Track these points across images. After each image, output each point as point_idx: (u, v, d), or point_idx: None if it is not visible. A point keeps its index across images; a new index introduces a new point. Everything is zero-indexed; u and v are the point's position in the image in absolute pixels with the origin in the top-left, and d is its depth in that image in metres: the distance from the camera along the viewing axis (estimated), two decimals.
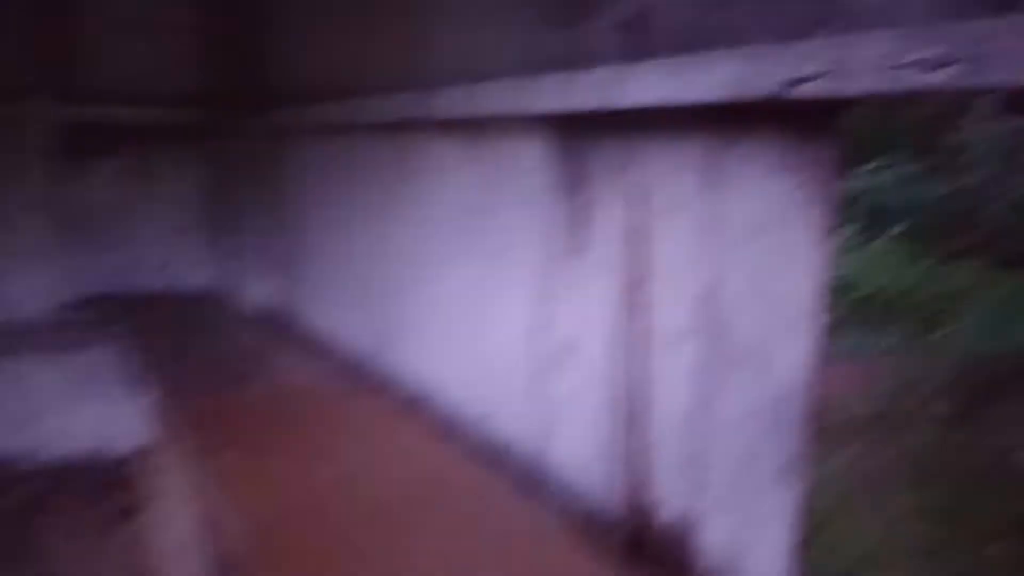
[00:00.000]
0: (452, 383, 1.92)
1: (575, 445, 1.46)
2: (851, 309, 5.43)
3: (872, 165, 6.02)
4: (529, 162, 1.51)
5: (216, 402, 1.80)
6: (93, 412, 3.15)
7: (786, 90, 0.87)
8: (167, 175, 3.26)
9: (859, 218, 5.94)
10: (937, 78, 0.76)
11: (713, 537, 1.17)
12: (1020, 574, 2.43)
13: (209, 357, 2.33)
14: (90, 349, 3.02)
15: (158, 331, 2.62)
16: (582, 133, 1.35)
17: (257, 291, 3.28)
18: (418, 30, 1.87)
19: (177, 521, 1.77)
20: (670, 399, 1.23)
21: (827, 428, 4.31)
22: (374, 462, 1.53)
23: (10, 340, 2.95)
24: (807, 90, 0.85)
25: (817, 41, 0.85)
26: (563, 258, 1.44)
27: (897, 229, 5.81)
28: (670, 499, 1.25)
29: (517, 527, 1.29)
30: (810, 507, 1.04)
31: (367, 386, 2.18)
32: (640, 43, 1.18)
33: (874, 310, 5.44)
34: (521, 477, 1.57)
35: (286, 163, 3.00)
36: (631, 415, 1.31)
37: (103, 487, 2.93)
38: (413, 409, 2.00)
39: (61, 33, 2.91)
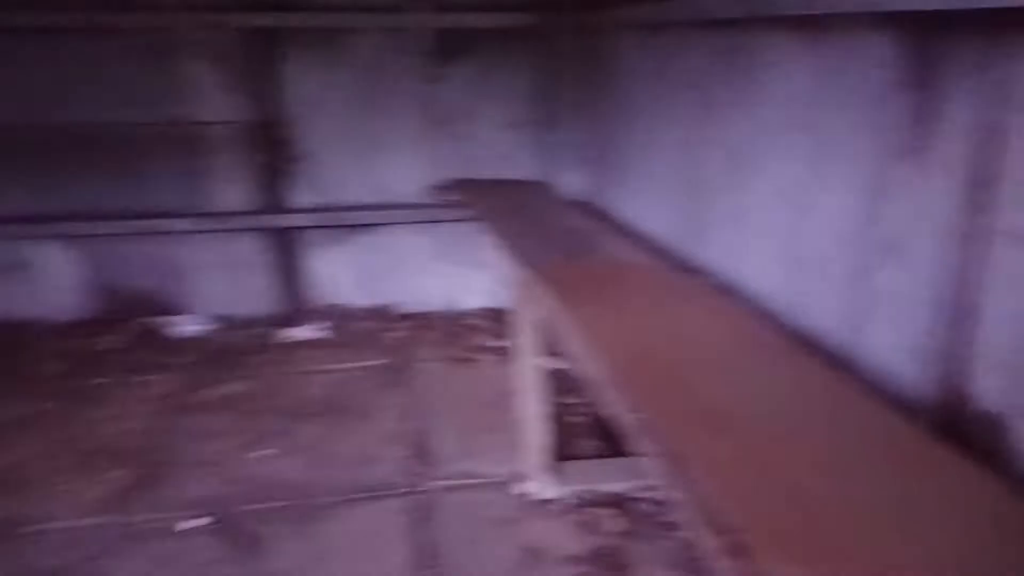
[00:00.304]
0: (765, 274, 2.07)
1: (890, 337, 1.55)
2: None
3: None
4: (873, 59, 1.52)
5: (559, 270, 2.18)
6: (454, 273, 3.95)
7: None
8: (505, 75, 3.71)
9: None
10: None
11: None
12: None
13: (543, 234, 2.74)
14: (453, 225, 3.75)
15: (500, 210, 3.14)
16: (935, 29, 1.34)
17: (575, 180, 3.69)
18: None
19: (541, 357, 2.28)
20: (1004, 301, 1.25)
21: None
22: (700, 322, 1.79)
23: (386, 214, 3.79)
24: None
25: None
26: (900, 155, 1.47)
27: None
28: (988, 395, 1.30)
29: (830, 388, 1.43)
30: None
31: (682, 268, 2.41)
32: None
33: None
34: (828, 362, 1.67)
35: (608, 62, 3.24)
36: (957, 313, 1.36)
37: (465, 330, 3.74)
38: (726, 292, 2.19)
39: None
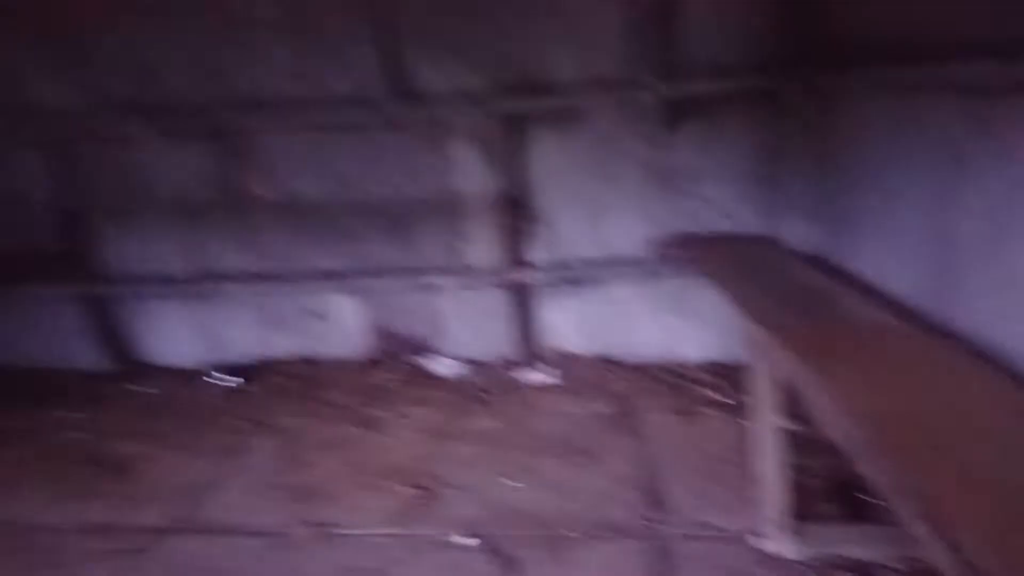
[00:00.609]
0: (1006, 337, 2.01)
1: None
2: None
3: None
4: None
5: (799, 328, 2.26)
6: (676, 326, 4.11)
7: None
8: (732, 134, 3.84)
9: None
10: None
11: None
12: None
13: (776, 289, 2.82)
14: (674, 279, 3.94)
15: (728, 266, 3.26)
16: None
17: (805, 235, 3.70)
18: None
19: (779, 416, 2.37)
20: None
21: None
22: (956, 387, 1.80)
23: (612, 270, 4.06)
24: None
25: None
26: None
27: None
28: None
29: None
30: None
31: (932, 331, 2.36)
32: None
33: None
34: None
35: (840, 117, 3.25)
36: None
37: (687, 382, 3.87)
38: (984, 358, 2.11)
39: (664, 21, 3.67)
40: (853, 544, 2.33)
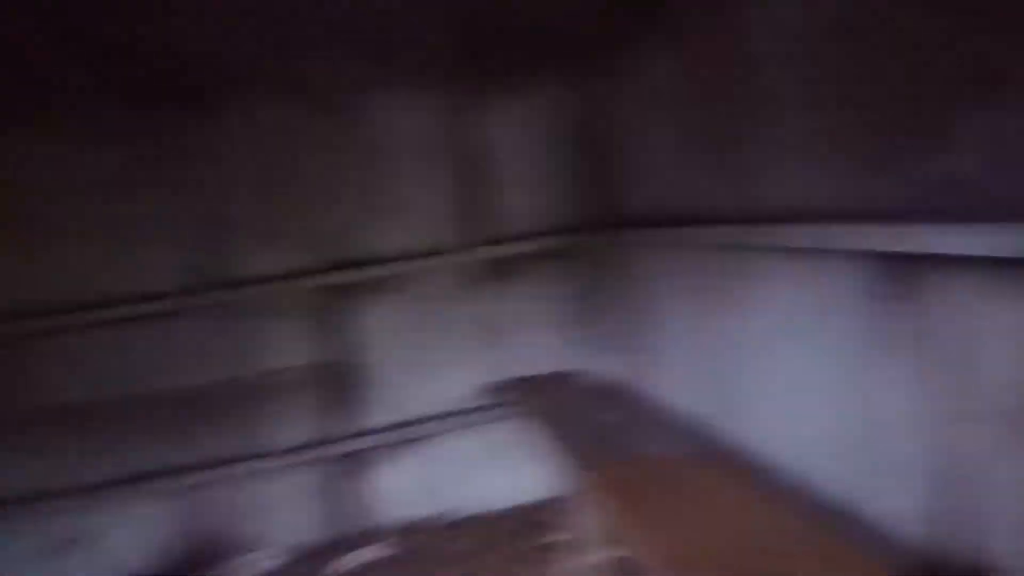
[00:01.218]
0: (779, 450, 2.34)
1: (892, 504, 1.78)
2: None
3: None
4: (850, 279, 1.89)
5: (604, 466, 2.42)
6: (512, 471, 4.09)
7: None
8: (548, 286, 4.24)
9: None
10: None
11: None
12: None
13: (584, 427, 3.02)
14: (506, 424, 3.98)
15: (545, 407, 3.42)
16: (902, 262, 1.69)
17: (616, 368, 4.03)
18: (752, 170, 2.38)
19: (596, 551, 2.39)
20: (988, 469, 1.48)
21: None
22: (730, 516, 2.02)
23: (443, 424, 4.08)
24: None
25: None
26: (876, 352, 1.79)
27: None
28: (986, 554, 1.50)
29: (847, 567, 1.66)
30: None
31: (712, 453, 2.65)
32: (952, 204, 1.52)
33: None
34: (840, 528, 1.91)
35: (634, 267, 3.73)
36: (948, 480, 1.59)
37: (525, 528, 3.79)
38: (746, 470, 2.43)
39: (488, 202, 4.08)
40: None
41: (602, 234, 3.96)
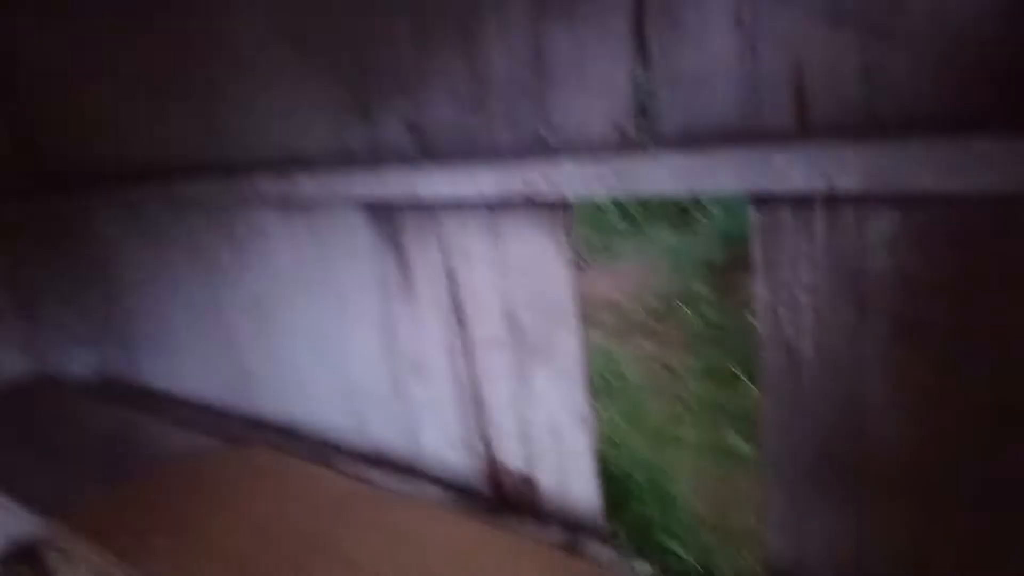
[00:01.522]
0: (321, 411, 2.23)
1: (438, 436, 1.88)
2: (628, 217, 6.26)
3: None
4: (352, 227, 1.84)
5: (104, 503, 1.91)
6: None
7: (532, 194, 1.32)
8: None
9: None
10: (608, 190, 1.20)
11: (546, 477, 1.66)
12: (750, 417, 2.79)
13: (66, 451, 2.33)
14: None
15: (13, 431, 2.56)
16: (393, 207, 1.71)
17: (91, 364, 3.26)
18: (225, 108, 2.06)
19: None
20: (497, 389, 1.67)
21: (614, 328, 4.90)
22: (279, 505, 1.83)
23: None
24: (543, 197, 1.31)
25: (537, 164, 1.30)
26: (399, 295, 1.82)
27: None
28: (512, 459, 1.71)
29: (400, 509, 1.71)
30: (603, 420, 1.47)
31: (239, 435, 2.37)
32: (424, 145, 1.58)
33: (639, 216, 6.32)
34: (399, 470, 1.97)
35: (98, 236, 2.96)
36: (474, 406, 1.75)
37: None
38: (289, 439, 2.27)
39: None
40: None
41: (44, 199, 2.99)
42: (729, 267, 5.18)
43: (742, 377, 3.92)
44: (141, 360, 3.00)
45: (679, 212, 6.39)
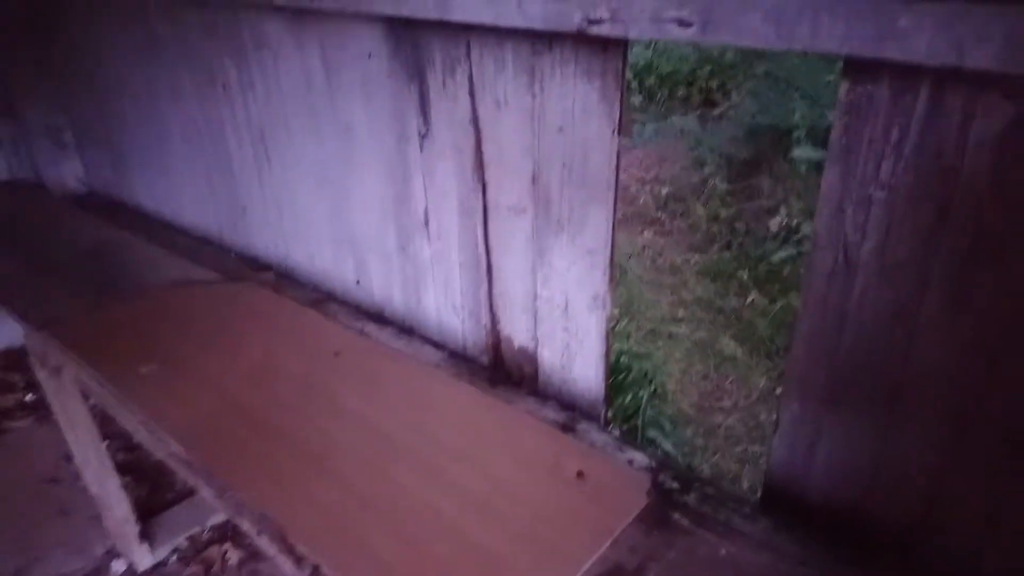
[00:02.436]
0: (320, 256, 2.11)
1: (442, 299, 1.78)
2: (648, 95, 6.13)
3: None
4: (367, 51, 1.63)
5: (93, 318, 1.87)
6: None
7: (584, 28, 1.11)
8: None
9: None
10: (685, 33, 1.00)
11: (550, 354, 1.58)
12: (764, 317, 2.79)
13: (54, 261, 2.28)
14: None
15: None
16: (416, 31, 1.50)
17: (74, 172, 3.14)
18: None
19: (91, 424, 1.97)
20: (511, 259, 1.55)
21: (632, 214, 4.96)
22: (272, 346, 1.79)
23: None
24: (599, 30, 1.10)
25: None
26: (413, 139, 1.64)
27: None
28: (516, 333, 1.62)
29: (396, 367, 1.66)
30: (617, 299, 1.40)
31: (234, 270, 2.30)
32: None
33: (667, 93, 6.22)
34: (398, 329, 1.90)
35: (81, 34, 2.73)
36: (480, 272, 1.63)
37: None
38: (286, 281, 2.19)
39: None
40: (206, 514, 2.23)
41: None
42: (751, 164, 4.97)
43: (746, 282, 3.84)
44: (133, 177, 2.86)
45: (704, 92, 6.06)
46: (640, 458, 1.38)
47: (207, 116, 2.29)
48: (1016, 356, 0.97)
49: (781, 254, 3.87)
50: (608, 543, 1.14)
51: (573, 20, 1.13)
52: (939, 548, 1.11)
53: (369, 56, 1.62)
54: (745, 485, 2.60)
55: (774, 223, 4.19)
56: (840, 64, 0.98)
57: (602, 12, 1.09)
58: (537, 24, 1.18)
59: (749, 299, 3.73)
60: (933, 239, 0.99)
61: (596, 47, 1.20)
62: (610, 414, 1.57)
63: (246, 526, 1.25)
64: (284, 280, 2.20)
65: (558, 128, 1.33)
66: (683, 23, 1.01)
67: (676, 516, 1.22)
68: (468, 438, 1.41)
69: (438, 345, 1.81)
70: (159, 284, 2.11)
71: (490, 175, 1.50)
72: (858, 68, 0.95)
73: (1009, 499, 1.04)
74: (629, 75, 1.35)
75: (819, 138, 4.28)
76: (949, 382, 1.04)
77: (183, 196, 2.64)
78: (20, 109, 3.04)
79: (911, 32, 0.85)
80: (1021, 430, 1.00)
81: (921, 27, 0.84)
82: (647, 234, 4.76)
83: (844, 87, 0.98)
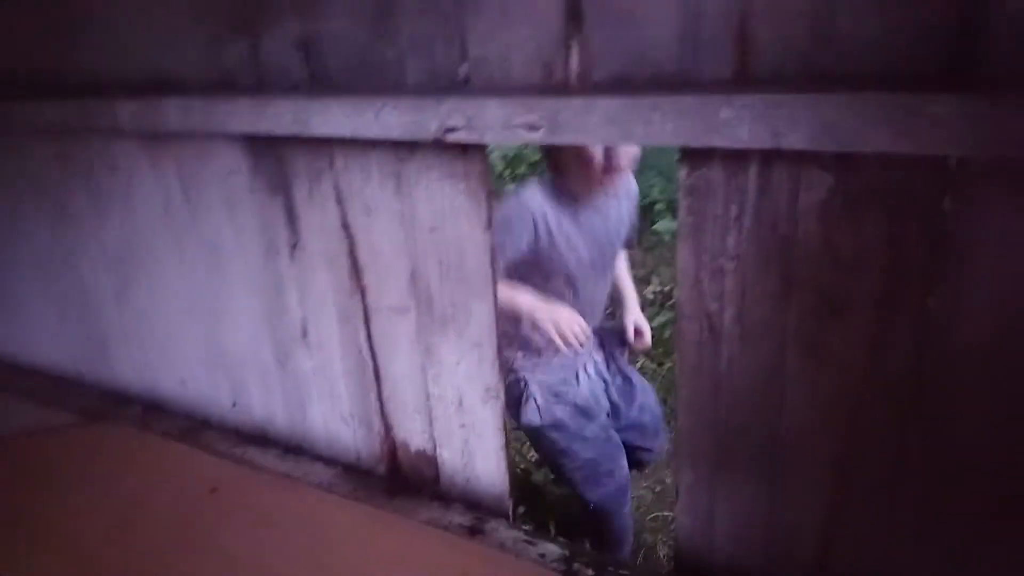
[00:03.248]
0: (193, 382, 1.97)
1: (328, 411, 1.70)
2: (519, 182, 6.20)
3: None
4: (229, 167, 1.59)
5: None
6: None
7: (442, 136, 1.16)
8: None
9: None
10: (535, 136, 1.06)
11: (450, 454, 1.54)
12: (654, 380, 2.80)
13: None
14: None
15: None
16: (277, 146, 1.49)
17: None
18: (89, 25, 1.72)
19: None
20: (399, 360, 1.52)
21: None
22: (142, 492, 1.63)
23: None
24: (456, 137, 1.15)
25: (455, 102, 1.14)
26: (283, 250, 1.60)
27: None
28: (412, 437, 1.58)
29: (285, 494, 1.56)
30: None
31: (96, 410, 2.10)
32: (318, 72, 1.36)
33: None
34: (283, 449, 1.79)
35: None
36: (369, 377, 1.59)
37: None
38: (154, 415, 2.02)
39: None
40: None
41: None
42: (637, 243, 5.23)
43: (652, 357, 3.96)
44: None
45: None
46: (552, 549, 1.35)
47: (58, 248, 2.11)
48: (876, 401, 1.05)
49: (660, 319, 4.05)
50: None
51: (430, 129, 1.17)
52: None
53: (230, 173, 1.59)
54: (662, 553, 2.61)
55: (648, 291, 4.40)
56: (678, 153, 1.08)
57: (457, 120, 1.14)
58: (396, 134, 1.22)
59: (637, 364, 3.85)
60: (783, 301, 1.08)
61: (456, 152, 1.25)
62: (523, 508, 1.53)
63: None
64: (153, 413, 2.02)
65: (430, 228, 1.35)
66: (532, 127, 1.08)
67: None
68: (370, 564, 1.32)
69: (329, 461, 1.72)
70: (8, 434, 1.89)
71: (367, 279, 1.49)
72: (693, 155, 1.05)
73: (896, 533, 1.10)
74: (500, 167, 1.40)
75: (677, 212, 4.59)
76: (822, 433, 1.11)
77: (36, 335, 2.39)
78: None
79: (734, 122, 0.95)
80: (895, 468, 1.08)
81: (741, 118, 0.94)
82: None
83: (683, 172, 1.07)
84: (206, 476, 1.64)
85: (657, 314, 4.13)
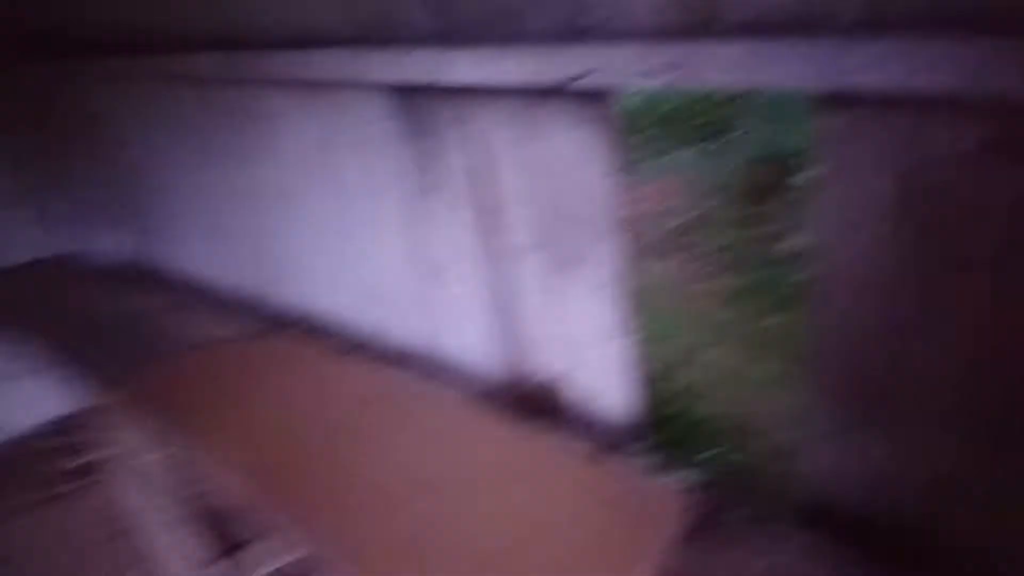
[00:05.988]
0: (345, 308, 2.21)
1: (462, 339, 1.85)
2: (656, 129, 6.18)
3: None
4: (371, 114, 1.73)
5: (143, 377, 1.97)
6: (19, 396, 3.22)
7: (568, 83, 1.19)
8: None
9: None
10: (662, 81, 1.09)
11: (578, 386, 1.63)
12: (787, 339, 2.74)
13: (100, 329, 2.40)
14: None
15: (24, 310, 2.65)
16: (416, 93, 1.59)
17: (114, 245, 3.27)
18: None
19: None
20: (528, 295, 1.61)
21: (647, 244, 4.91)
22: (310, 393, 1.84)
23: None
24: (582, 84, 1.17)
25: (581, 49, 1.17)
26: (422, 193, 1.73)
27: None
28: (543, 367, 1.68)
29: (428, 407, 1.71)
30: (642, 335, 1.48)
31: (269, 328, 2.35)
32: (449, 24, 1.41)
33: (674, 127, 6.24)
34: (423, 372, 1.96)
35: (111, 115, 2.87)
36: (502, 313, 1.70)
37: (37, 458, 3.11)
38: (315, 332, 2.27)
39: None
40: (280, 552, 2.18)
41: (42, 65, 2.83)
42: (756, 192, 5.03)
43: (767, 302, 3.86)
44: (158, 245, 3.00)
45: (706, 126, 6.19)
46: (681, 478, 1.41)
47: (229, 186, 2.40)
48: (1008, 360, 1.00)
49: (795, 276, 3.91)
50: (651, 567, 1.17)
51: (556, 77, 1.21)
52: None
53: (373, 120, 1.72)
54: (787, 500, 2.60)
55: (783, 247, 4.22)
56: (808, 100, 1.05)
57: (582, 68, 1.17)
58: (523, 82, 1.26)
59: (774, 320, 3.77)
60: (919, 252, 1.02)
61: (583, 99, 1.27)
62: (647, 439, 1.60)
63: (322, 557, 1.29)
64: (312, 332, 2.28)
65: (558, 172, 1.40)
66: (660, 72, 1.08)
67: (720, 533, 1.26)
68: (505, 470, 1.44)
69: (465, 385, 1.87)
70: (194, 345, 2.21)
71: (499, 220, 1.57)
72: (827, 102, 1.01)
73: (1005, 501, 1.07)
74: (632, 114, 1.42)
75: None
76: (949, 387, 1.07)
77: (208, 258, 2.75)
78: (45, 190, 3.22)
79: (869, 67, 0.91)
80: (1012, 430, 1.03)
81: (877, 63, 0.90)
82: (659, 266, 4.82)
83: (824, 118, 1.02)
84: (361, 388, 1.83)
85: (791, 270, 3.98)
